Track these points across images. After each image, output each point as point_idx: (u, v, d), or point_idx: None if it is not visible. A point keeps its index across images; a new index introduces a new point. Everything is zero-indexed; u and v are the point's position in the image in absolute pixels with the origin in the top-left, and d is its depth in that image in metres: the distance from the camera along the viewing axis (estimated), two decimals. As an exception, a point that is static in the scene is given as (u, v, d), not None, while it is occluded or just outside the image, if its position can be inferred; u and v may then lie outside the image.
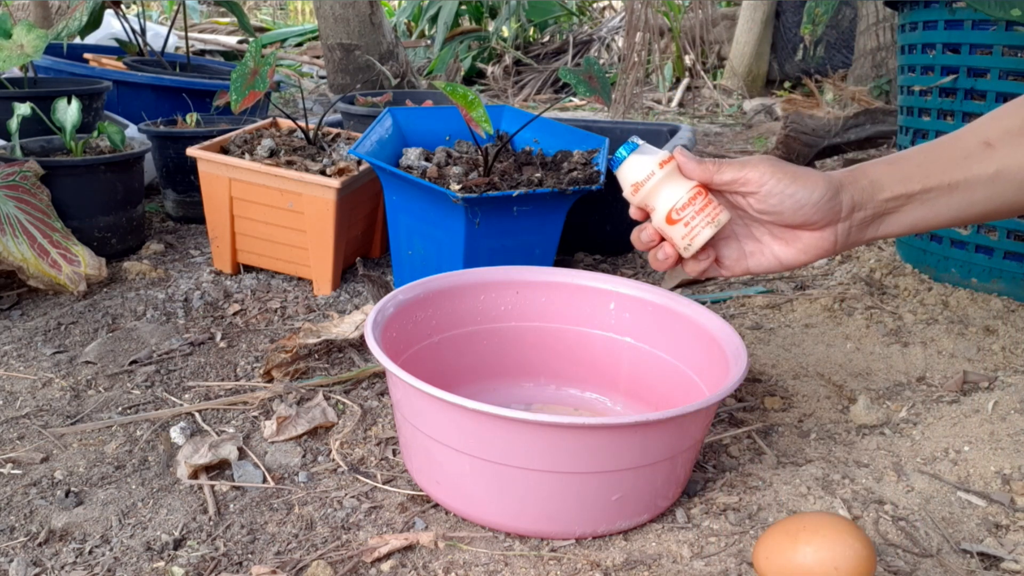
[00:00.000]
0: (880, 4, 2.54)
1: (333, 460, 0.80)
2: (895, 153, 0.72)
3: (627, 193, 0.68)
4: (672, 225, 0.67)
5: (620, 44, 3.80)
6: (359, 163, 1.23)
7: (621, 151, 0.68)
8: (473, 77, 3.89)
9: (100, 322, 1.10)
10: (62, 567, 0.64)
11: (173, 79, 1.78)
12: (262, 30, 5.00)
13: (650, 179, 0.67)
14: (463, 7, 4.07)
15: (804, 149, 1.99)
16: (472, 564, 0.64)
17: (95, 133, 1.35)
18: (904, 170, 0.69)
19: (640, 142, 0.68)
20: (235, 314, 1.15)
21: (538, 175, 1.12)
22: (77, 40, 1.97)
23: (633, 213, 0.70)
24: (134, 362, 1.00)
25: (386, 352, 0.69)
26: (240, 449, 0.80)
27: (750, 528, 0.68)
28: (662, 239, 0.69)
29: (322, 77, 3.62)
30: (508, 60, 3.83)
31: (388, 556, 0.65)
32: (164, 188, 1.54)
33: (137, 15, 2.12)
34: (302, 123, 1.33)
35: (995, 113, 0.72)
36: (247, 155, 1.23)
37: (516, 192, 1.02)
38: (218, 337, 1.07)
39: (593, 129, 1.55)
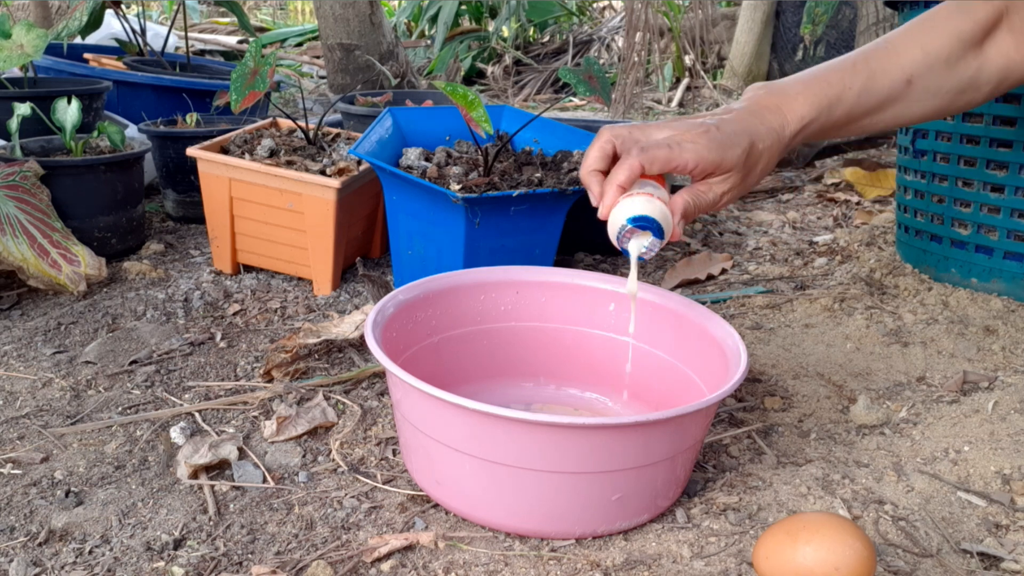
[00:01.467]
0: (880, 4, 2.54)
1: (333, 460, 0.80)
2: (840, 89, 0.77)
3: (618, 236, 0.72)
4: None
5: (620, 44, 3.79)
6: (359, 163, 1.23)
7: (635, 249, 0.72)
8: (473, 77, 3.89)
9: (100, 322, 1.10)
10: (62, 567, 0.64)
11: (173, 79, 1.78)
12: (262, 30, 5.00)
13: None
14: (463, 7, 4.07)
15: (804, 148, 1.99)
16: (472, 564, 0.64)
17: (95, 133, 1.35)
18: (835, 117, 0.77)
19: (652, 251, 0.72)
20: (235, 314, 1.15)
21: (538, 175, 1.12)
22: (77, 40, 1.97)
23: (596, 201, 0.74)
24: (134, 362, 1.00)
25: (386, 352, 0.69)
26: (240, 449, 0.80)
27: (750, 528, 0.68)
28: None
29: (322, 77, 3.61)
30: (508, 60, 3.83)
31: (388, 556, 0.65)
32: (164, 188, 1.54)
33: (137, 15, 2.12)
34: (302, 123, 1.33)
35: (929, 33, 0.79)
36: (247, 155, 1.23)
37: (516, 192, 1.02)
38: (218, 337, 1.07)
39: (593, 129, 1.55)
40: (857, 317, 1.10)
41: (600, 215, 0.73)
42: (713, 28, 3.72)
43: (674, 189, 0.76)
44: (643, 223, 0.70)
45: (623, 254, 0.74)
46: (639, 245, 0.72)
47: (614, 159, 0.74)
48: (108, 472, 0.78)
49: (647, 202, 0.70)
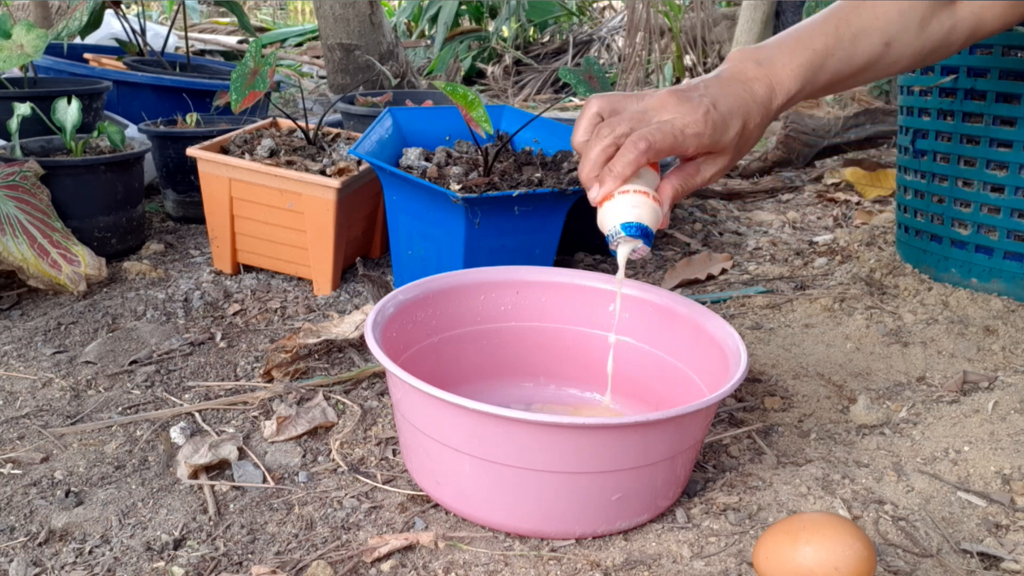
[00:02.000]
0: (880, 4, 2.54)
1: (333, 460, 0.80)
2: (824, 56, 0.77)
3: (609, 237, 0.73)
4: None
5: (620, 44, 3.79)
6: (359, 163, 1.23)
7: (624, 252, 0.73)
8: (473, 77, 3.89)
9: (100, 322, 1.10)
10: (62, 567, 0.64)
11: (173, 79, 1.78)
12: (262, 30, 4.99)
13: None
14: (463, 7, 4.07)
15: (804, 149, 1.99)
16: (472, 564, 0.64)
17: (95, 133, 1.35)
18: (818, 85, 0.77)
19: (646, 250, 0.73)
20: (235, 314, 1.15)
21: (538, 175, 1.12)
22: (77, 40, 1.97)
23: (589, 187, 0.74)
24: (134, 362, 1.00)
25: (386, 352, 0.69)
26: (240, 449, 0.80)
27: (750, 528, 0.68)
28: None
29: (322, 77, 3.61)
30: (508, 60, 3.83)
31: (388, 556, 0.65)
32: (164, 188, 1.54)
33: (137, 15, 2.12)
34: (302, 123, 1.33)
35: None
36: (247, 155, 1.23)
37: (516, 192, 1.02)
38: (218, 337, 1.07)
39: (593, 129, 1.55)
40: (857, 317, 1.10)
41: (594, 201, 0.73)
42: (713, 28, 3.72)
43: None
44: (636, 232, 0.70)
45: (611, 254, 0.74)
46: (629, 247, 0.72)
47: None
48: (108, 472, 0.78)
49: (642, 206, 0.71)
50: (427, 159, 1.18)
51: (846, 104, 2.52)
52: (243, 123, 1.52)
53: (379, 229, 1.35)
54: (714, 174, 0.75)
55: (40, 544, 0.67)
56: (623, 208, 0.71)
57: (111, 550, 0.66)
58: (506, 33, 4.04)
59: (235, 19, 2.98)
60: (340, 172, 1.19)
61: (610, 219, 0.71)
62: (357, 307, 1.17)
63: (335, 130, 1.41)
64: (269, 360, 0.96)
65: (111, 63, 1.91)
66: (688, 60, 3.65)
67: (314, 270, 1.21)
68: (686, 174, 0.74)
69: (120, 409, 0.89)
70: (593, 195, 0.72)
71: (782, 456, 0.80)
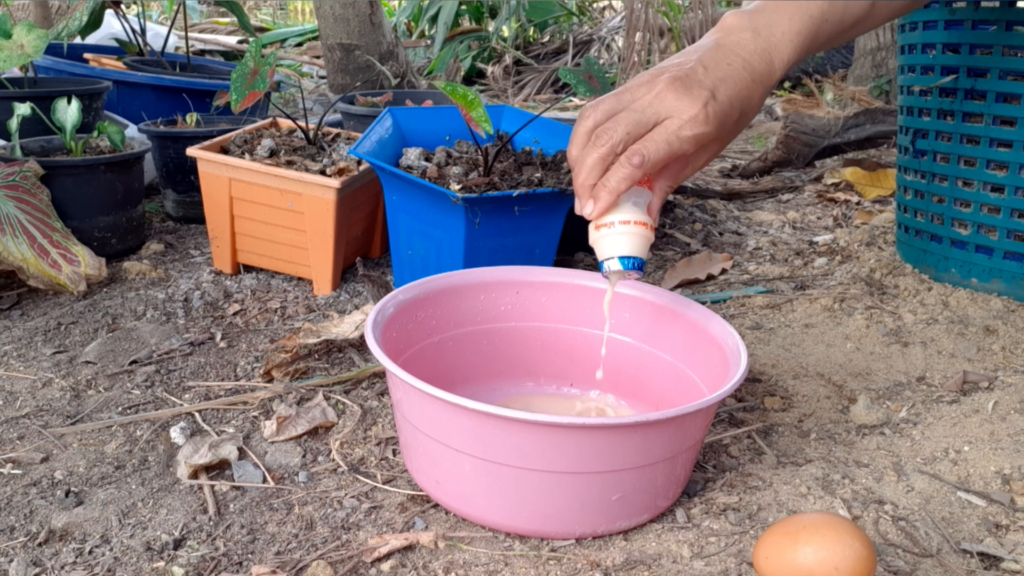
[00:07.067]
0: (880, 4, 2.54)
1: (333, 460, 0.80)
2: (820, 22, 0.75)
3: (602, 264, 0.73)
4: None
5: (620, 44, 3.79)
6: (359, 163, 1.23)
7: (616, 279, 0.74)
8: (473, 77, 3.89)
9: (100, 322, 1.10)
10: (62, 567, 0.64)
11: (173, 79, 1.78)
12: (262, 30, 4.99)
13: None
14: (463, 7, 4.07)
15: (804, 149, 1.99)
16: (472, 564, 0.64)
17: (95, 133, 1.35)
18: (810, 52, 0.75)
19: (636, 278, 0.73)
20: (235, 314, 1.15)
21: (538, 175, 1.12)
22: (77, 40, 1.97)
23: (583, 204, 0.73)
24: (134, 362, 1.00)
25: (386, 352, 0.69)
26: (240, 449, 0.80)
27: (750, 528, 0.68)
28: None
29: (322, 77, 3.61)
30: (508, 60, 3.83)
31: (388, 556, 0.65)
32: (164, 188, 1.54)
33: (137, 15, 2.12)
34: (302, 123, 1.33)
35: None
36: (247, 155, 1.23)
37: (516, 192, 1.02)
38: (218, 337, 1.07)
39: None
40: (857, 317, 1.10)
41: (588, 216, 0.72)
42: (713, 28, 3.72)
43: None
44: (633, 266, 0.71)
45: (599, 269, 0.74)
46: (622, 278, 0.73)
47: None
48: (108, 472, 0.78)
49: (639, 237, 0.71)
50: (427, 159, 1.18)
51: (846, 104, 2.52)
52: (243, 123, 1.52)
53: (379, 229, 1.35)
54: (704, 163, 0.73)
55: (40, 544, 0.67)
56: (621, 241, 0.71)
57: (111, 550, 0.66)
58: (506, 33, 4.04)
59: (235, 19, 2.98)
60: (340, 172, 1.19)
61: (607, 249, 0.72)
62: (357, 307, 1.16)
63: (335, 130, 1.41)
64: (269, 360, 0.96)
65: (111, 63, 1.91)
66: (688, 60, 3.64)
67: (314, 270, 1.21)
68: (674, 171, 0.73)
69: (120, 409, 0.89)
70: (588, 211, 0.71)
71: (782, 456, 0.80)
